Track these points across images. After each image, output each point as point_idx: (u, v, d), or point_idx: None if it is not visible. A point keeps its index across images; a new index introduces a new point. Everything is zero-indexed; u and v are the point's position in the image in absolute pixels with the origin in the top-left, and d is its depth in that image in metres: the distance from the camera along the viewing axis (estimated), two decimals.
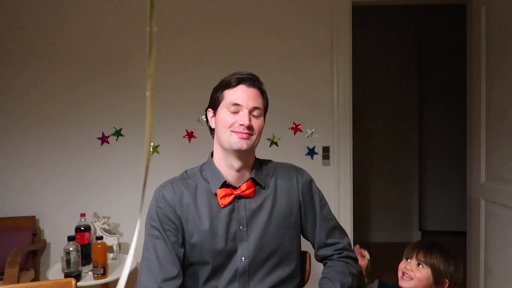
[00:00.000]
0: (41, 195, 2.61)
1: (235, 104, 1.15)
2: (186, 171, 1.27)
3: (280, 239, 1.21)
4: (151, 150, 2.54)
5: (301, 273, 1.35)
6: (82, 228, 2.34)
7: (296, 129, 2.58)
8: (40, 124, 2.60)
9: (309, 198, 1.29)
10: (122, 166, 2.60)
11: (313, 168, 2.54)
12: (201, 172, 1.24)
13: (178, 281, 1.13)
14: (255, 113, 1.17)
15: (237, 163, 1.18)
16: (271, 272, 1.19)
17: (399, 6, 3.29)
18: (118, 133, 2.60)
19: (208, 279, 1.18)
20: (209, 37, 2.57)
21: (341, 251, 1.29)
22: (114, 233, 2.52)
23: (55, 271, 2.23)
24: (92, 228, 2.43)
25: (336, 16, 2.54)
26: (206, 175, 1.22)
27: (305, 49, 2.56)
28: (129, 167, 2.59)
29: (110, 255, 2.40)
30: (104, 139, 2.60)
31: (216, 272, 1.18)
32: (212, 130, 1.25)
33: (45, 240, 2.60)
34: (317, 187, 1.34)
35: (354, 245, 1.46)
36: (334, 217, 1.34)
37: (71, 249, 2.08)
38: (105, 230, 2.45)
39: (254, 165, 1.24)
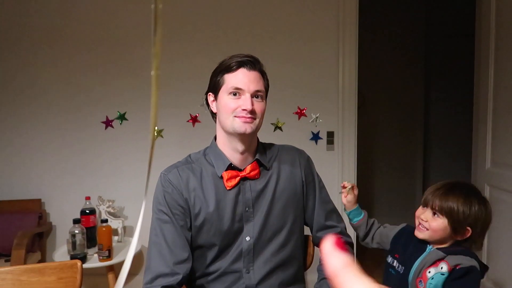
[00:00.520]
0: (47, 179, 2.63)
1: (237, 89, 1.13)
2: (189, 156, 1.26)
3: (284, 219, 1.23)
4: (155, 133, 2.54)
5: (304, 257, 1.37)
6: (87, 211, 2.36)
7: (300, 113, 2.56)
8: (45, 108, 2.61)
9: (311, 178, 1.31)
10: (126, 150, 2.61)
11: (317, 153, 2.53)
12: (205, 156, 1.24)
13: (189, 264, 1.15)
14: (257, 96, 1.16)
15: (241, 146, 1.18)
16: (275, 253, 1.21)
17: None
18: (122, 117, 2.60)
19: (214, 259, 1.20)
20: (215, 22, 2.54)
21: (339, 236, 1.30)
22: (119, 216, 2.55)
23: (61, 253, 2.26)
24: (97, 211, 2.45)
25: (343, 0, 2.50)
26: (210, 159, 1.22)
27: (311, 33, 2.53)
28: (133, 151, 2.60)
29: (115, 238, 2.43)
30: (108, 123, 2.60)
31: (222, 253, 1.20)
32: (213, 114, 1.24)
33: (50, 222, 2.64)
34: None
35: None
36: (331, 200, 1.36)
37: (76, 231, 2.10)
38: (110, 213, 2.47)
39: (258, 147, 1.25)
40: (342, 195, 1.39)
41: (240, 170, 1.20)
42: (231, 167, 1.19)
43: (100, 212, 2.47)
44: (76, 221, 2.15)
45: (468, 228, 1.11)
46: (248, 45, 2.50)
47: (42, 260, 2.50)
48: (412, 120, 4.15)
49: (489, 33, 2.32)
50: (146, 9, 2.20)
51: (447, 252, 1.11)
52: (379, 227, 1.37)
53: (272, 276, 1.20)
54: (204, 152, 1.26)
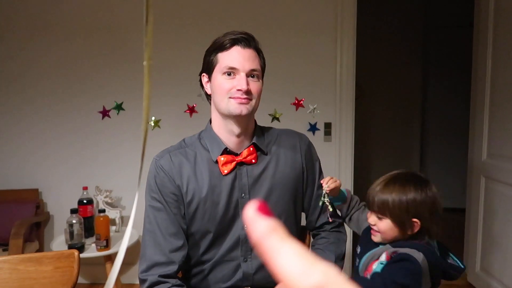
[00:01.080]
0: (44, 168, 2.63)
1: (231, 68, 1.08)
2: (184, 140, 1.23)
3: (283, 207, 1.20)
4: (152, 124, 2.53)
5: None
6: (85, 201, 2.36)
7: (298, 104, 2.56)
8: (41, 98, 2.59)
9: (311, 164, 1.28)
10: (124, 140, 2.60)
11: (315, 144, 2.48)
12: (199, 140, 1.20)
13: (184, 251, 1.13)
14: (253, 75, 1.10)
15: (237, 129, 1.13)
16: None
17: None
18: (119, 107, 2.58)
19: (209, 247, 1.17)
20: (211, 9, 2.52)
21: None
22: (116, 206, 2.55)
23: (59, 242, 2.27)
24: (95, 201, 2.46)
25: None
26: (205, 143, 1.18)
27: (309, 23, 2.51)
28: (131, 141, 2.60)
29: (113, 228, 2.44)
30: (105, 113, 2.59)
31: (216, 240, 1.17)
32: (208, 96, 1.19)
33: (48, 212, 2.64)
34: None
35: None
36: None
37: (74, 221, 2.11)
38: (107, 203, 2.47)
39: (255, 131, 1.20)
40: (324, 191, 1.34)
41: (237, 155, 1.16)
42: (226, 151, 1.15)
43: (97, 202, 2.47)
44: (73, 211, 2.16)
45: (414, 219, 1.07)
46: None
47: (40, 249, 2.51)
48: (409, 112, 4.15)
49: (487, 24, 2.31)
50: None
51: (396, 246, 1.10)
52: (358, 209, 1.34)
53: None
54: (199, 136, 1.22)
